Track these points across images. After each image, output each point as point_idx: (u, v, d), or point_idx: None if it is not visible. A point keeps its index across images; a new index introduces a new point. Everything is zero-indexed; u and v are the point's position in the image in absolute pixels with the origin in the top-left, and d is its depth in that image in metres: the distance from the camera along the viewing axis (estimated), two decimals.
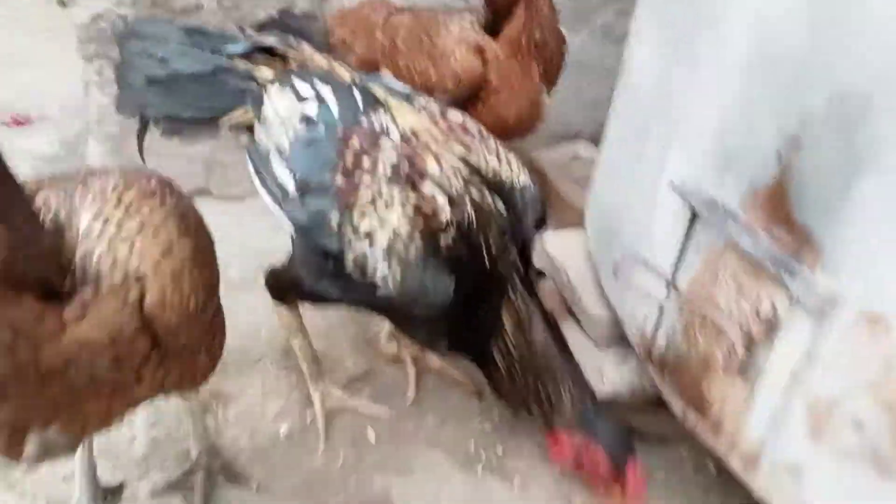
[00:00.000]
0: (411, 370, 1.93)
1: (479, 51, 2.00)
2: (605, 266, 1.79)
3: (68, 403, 0.98)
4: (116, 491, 1.54)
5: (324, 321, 2.04)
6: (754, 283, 1.26)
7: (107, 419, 1.10)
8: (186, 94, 1.62)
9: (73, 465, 1.48)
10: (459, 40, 2.01)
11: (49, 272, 0.92)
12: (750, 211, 1.26)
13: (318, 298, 1.68)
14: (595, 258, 1.89)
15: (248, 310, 2.03)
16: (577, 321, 1.93)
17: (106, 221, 1.01)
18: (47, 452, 1.04)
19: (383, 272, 1.38)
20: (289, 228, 1.53)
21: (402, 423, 1.84)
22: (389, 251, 1.37)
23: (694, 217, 1.37)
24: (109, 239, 1.00)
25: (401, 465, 1.73)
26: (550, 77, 2.11)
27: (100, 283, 0.96)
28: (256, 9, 2.29)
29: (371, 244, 1.38)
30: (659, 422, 1.82)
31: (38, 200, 1.00)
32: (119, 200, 1.05)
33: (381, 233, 1.37)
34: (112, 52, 1.83)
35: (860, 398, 1.12)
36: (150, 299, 1.00)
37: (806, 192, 1.16)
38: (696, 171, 1.38)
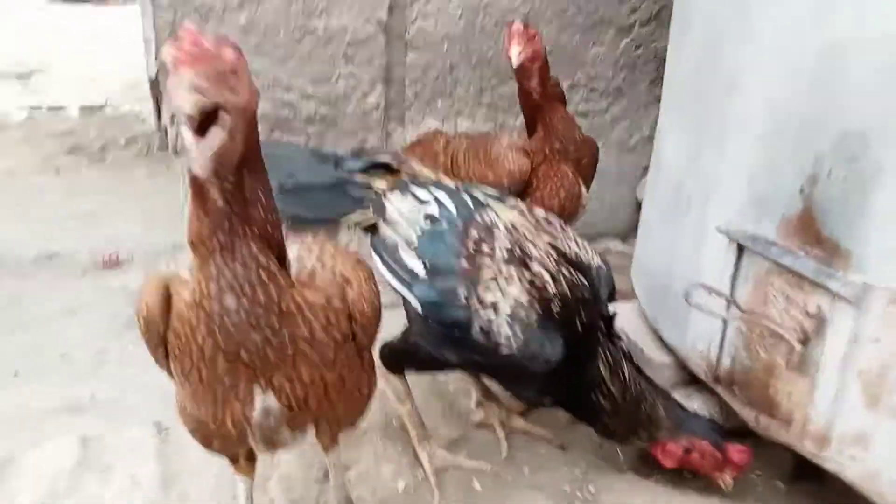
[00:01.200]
0: (501, 432, 2.13)
1: (527, 153, 2.44)
2: (661, 317, 2.11)
3: (288, 360, 1.26)
4: None
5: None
6: (800, 294, 1.59)
7: (305, 402, 1.35)
8: (312, 200, 1.98)
9: None
10: (509, 146, 2.46)
11: (282, 248, 1.24)
12: (785, 238, 1.63)
13: (431, 365, 1.96)
14: (649, 314, 2.21)
15: None
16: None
17: (309, 250, 1.36)
18: (266, 418, 1.33)
19: (507, 334, 1.66)
20: (416, 305, 1.79)
21: (501, 475, 2.05)
22: (513, 317, 1.66)
23: (741, 251, 1.73)
24: (317, 256, 1.34)
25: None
26: (584, 175, 2.54)
27: (315, 276, 1.29)
28: (336, 147, 2.75)
29: (496, 312, 1.67)
30: None
31: None
32: (316, 245, 1.40)
33: (503, 302, 1.67)
34: None
35: None
36: (351, 292, 1.32)
37: (828, 214, 1.53)
38: (736, 217, 1.75)
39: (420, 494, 1.96)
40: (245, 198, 1.13)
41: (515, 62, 2.27)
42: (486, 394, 2.17)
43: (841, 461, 1.57)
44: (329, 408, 1.44)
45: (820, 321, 1.54)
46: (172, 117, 0.95)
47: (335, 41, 2.68)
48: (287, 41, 2.63)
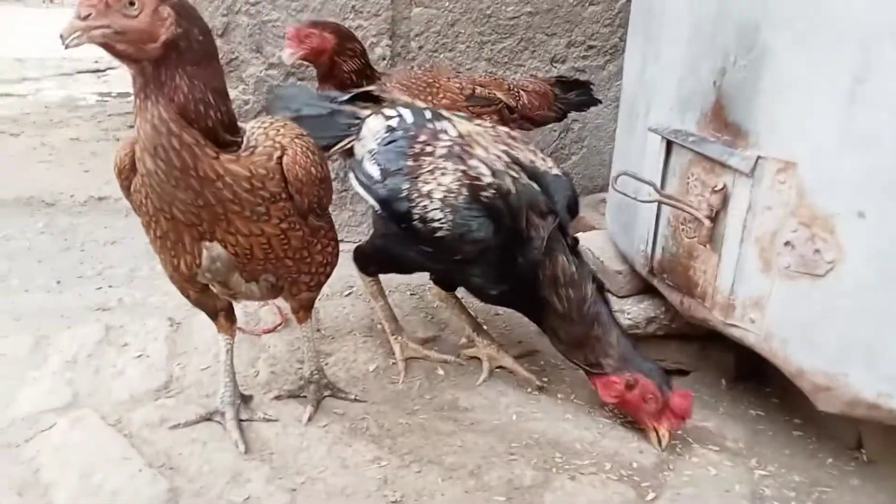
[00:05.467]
0: (486, 365, 2.24)
1: None
2: (617, 228, 2.29)
3: (221, 217, 1.53)
4: (247, 398, 2.01)
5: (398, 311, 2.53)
6: (713, 177, 1.76)
7: (249, 251, 1.61)
8: (309, 128, 2.22)
9: (218, 377, 1.98)
10: None
11: (216, 129, 1.49)
12: (703, 128, 1.80)
13: (394, 262, 2.19)
14: (611, 230, 2.39)
15: (341, 306, 2.60)
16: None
17: (261, 124, 1.64)
18: (213, 263, 1.60)
19: (438, 216, 1.87)
20: (374, 204, 2.05)
21: (464, 365, 2.28)
22: (443, 200, 1.87)
23: (669, 147, 1.91)
24: (265, 128, 1.62)
25: (466, 385, 2.16)
26: None
27: (255, 149, 1.56)
28: None
29: (430, 199, 1.89)
30: (673, 353, 2.25)
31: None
32: (269, 122, 1.68)
33: (437, 191, 1.89)
34: None
35: (787, 224, 1.58)
36: (286, 158, 1.58)
37: (733, 101, 1.70)
38: (667, 117, 1.93)
39: (387, 374, 2.21)
40: (161, 79, 1.42)
41: (288, 62, 2.54)
42: (477, 328, 2.33)
43: (743, 325, 1.72)
44: (278, 262, 1.71)
45: (724, 196, 1.71)
46: None
47: None
48: None
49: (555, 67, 3.35)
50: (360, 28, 3.04)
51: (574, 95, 3.15)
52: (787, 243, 1.58)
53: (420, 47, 3.16)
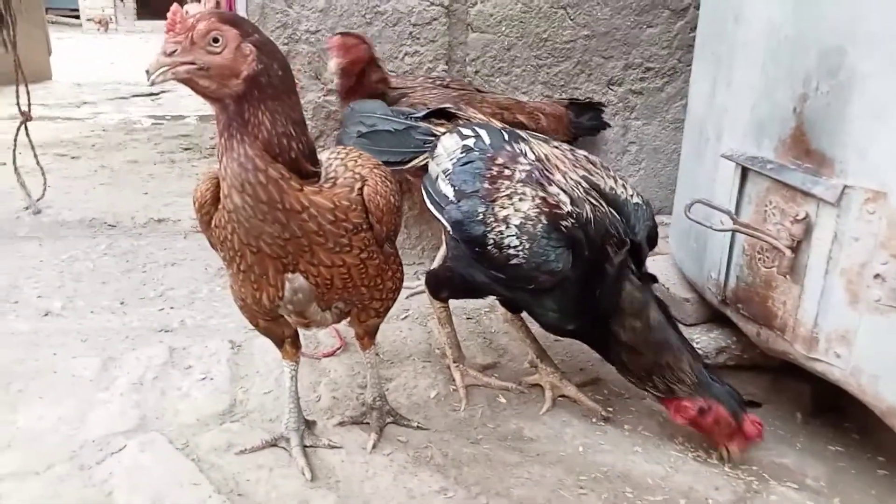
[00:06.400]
0: (549, 393, 2.18)
1: None
2: (684, 255, 2.24)
3: (306, 249, 1.53)
4: (311, 424, 2.00)
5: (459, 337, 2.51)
6: (793, 205, 1.70)
7: (330, 281, 1.61)
8: (383, 143, 2.24)
9: (283, 400, 1.98)
10: None
11: (299, 160, 1.50)
12: (781, 156, 1.75)
13: (465, 287, 2.12)
14: (677, 257, 2.34)
15: (398, 330, 2.60)
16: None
17: (337, 154, 1.65)
18: (295, 294, 1.61)
19: (514, 243, 1.82)
20: (447, 226, 2.00)
21: (526, 393, 2.24)
22: (521, 228, 1.83)
23: (744, 174, 1.86)
24: (342, 159, 1.63)
25: (529, 414, 2.11)
26: None
27: (336, 181, 1.57)
28: None
29: (507, 225, 1.85)
30: (745, 385, 2.17)
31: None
32: (345, 152, 1.69)
33: (514, 217, 1.84)
34: None
35: (877, 256, 1.51)
36: (367, 189, 1.58)
37: (815, 128, 1.65)
38: (741, 143, 1.88)
39: (448, 401, 2.18)
40: (244, 116, 1.43)
41: (334, 71, 2.60)
42: (541, 354, 2.27)
43: (828, 360, 1.65)
44: (354, 290, 1.70)
45: (807, 226, 1.65)
46: None
47: (402, 22, 3.00)
48: (359, 22, 2.96)
49: (612, 90, 3.32)
50: (417, 54, 3.06)
51: (586, 119, 3.11)
52: (876, 276, 1.52)
53: (476, 72, 3.17)
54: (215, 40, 1.38)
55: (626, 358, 1.92)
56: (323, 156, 1.66)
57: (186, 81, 1.40)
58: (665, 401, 1.92)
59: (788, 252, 1.67)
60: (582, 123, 3.15)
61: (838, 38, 1.56)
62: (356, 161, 1.65)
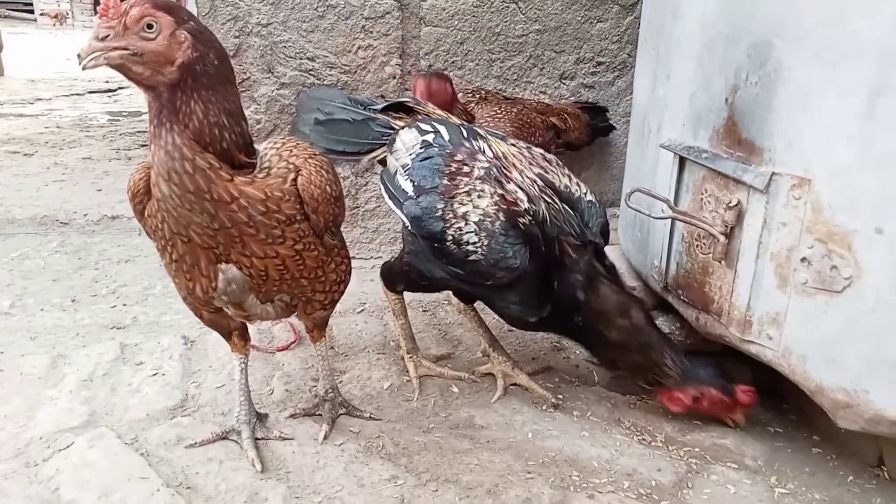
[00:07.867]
0: (501, 382, 2.21)
1: None
2: (630, 245, 2.29)
3: (237, 240, 1.53)
4: (263, 417, 2.01)
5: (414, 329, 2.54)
6: (727, 193, 1.76)
7: (265, 273, 1.61)
8: (340, 133, 2.21)
9: (233, 396, 1.98)
10: None
11: (231, 151, 1.49)
12: (716, 145, 1.81)
13: (422, 281, 2.14)
14: (624, 247, 2.39)
15: (354, 324, 2.61)
16: None
17: (273, 145, 1.65)
18: (229, 286, 1.61)
19: (473, 240, 1.84)
20: (406, 221, 2.00)
21: (479, 382, 2.27)
22: (479, 224, 1.84)
23: (682, 163, 1.91)
24: (278, 149, 1.63)
25: (481, 403, 2.15)
26: None
27: (270, 171, 1.57)
28: None
29: (465, 222, 1.86)
30: None
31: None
32: (282, 142, 1.69)
33: (473, 214, 1.86)
34: None
35: (803, 241, 1.58)
36: (301, 178, 1.59)
37: (746, 118, 1.71)
38: (679, 134, 1.94)
39: (402, 392, 2.21)
40: (176, 105, 1.43)
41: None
42: (494, 344, 2.30)
43: (761, 342, 1.71)
44: (294, 282, 1.71)
45: (739, 212, 1.71)
46: None
47: (354, 15, 3.01)
48: (311, 15, 2.96)
49: (564, 84, 3.37)
50: (371, 48, 3.07)
51: (599, 121, 3.21)
52: (803, 259, 1.58)
53: (430, 66, 3.19)
54: (149, 26, 1.38)
55: (615, 356, 2.00)
56: (260, 146, 1.66)
57: (119, 67, 1.39)
58: (658, 392, 2.01)
59: (722, 238, 1.73)
60: (596, 125, 3.22)
61: (767, 31, 1.62)
62: (291, 151, 1.64)
